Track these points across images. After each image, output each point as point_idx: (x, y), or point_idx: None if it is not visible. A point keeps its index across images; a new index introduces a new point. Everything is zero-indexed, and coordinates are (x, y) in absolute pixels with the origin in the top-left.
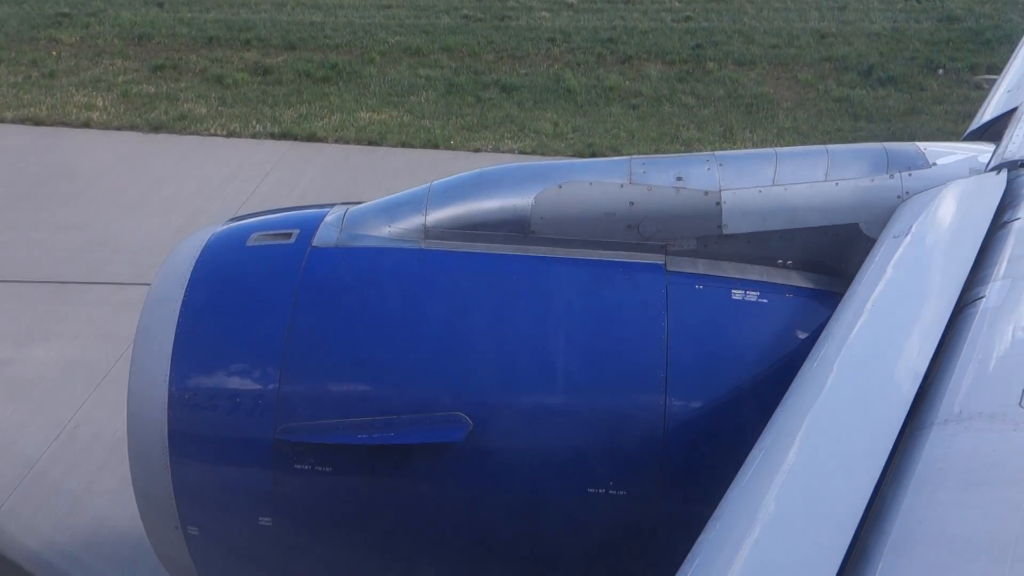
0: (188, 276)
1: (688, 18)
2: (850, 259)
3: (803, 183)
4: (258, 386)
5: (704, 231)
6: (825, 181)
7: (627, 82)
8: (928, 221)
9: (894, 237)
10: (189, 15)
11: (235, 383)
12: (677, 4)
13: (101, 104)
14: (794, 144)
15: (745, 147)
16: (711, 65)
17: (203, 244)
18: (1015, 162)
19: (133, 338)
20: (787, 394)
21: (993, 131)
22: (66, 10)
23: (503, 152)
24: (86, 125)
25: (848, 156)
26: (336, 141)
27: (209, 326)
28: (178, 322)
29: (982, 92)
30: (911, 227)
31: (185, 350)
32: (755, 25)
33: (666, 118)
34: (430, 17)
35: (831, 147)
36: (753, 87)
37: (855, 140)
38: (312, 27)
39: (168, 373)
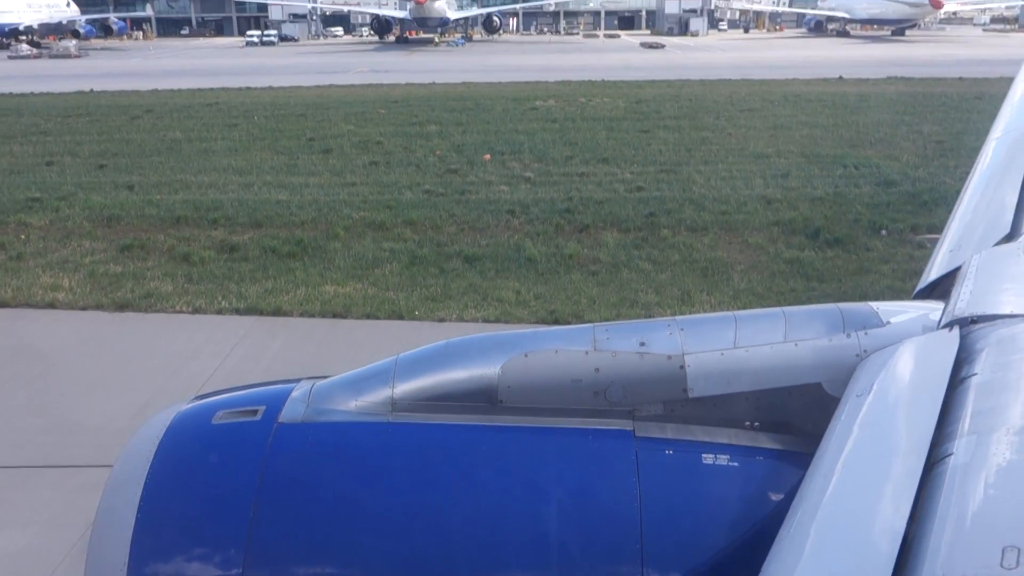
0: (151, 457)
1: (640, 188)
2: (816, 418)
3: (763, 345)
4: (221, 572)
5: (670, 395)
6: (784, 342)
7: (585, 250)
8: (888, 379)
9: (857, 396)
10: (158, 197)
11: (196, 570)
12: (629, 176)
13: (67, 285)
14: (751, 305)
15: (703, 309)
16: (665, 232)
17: (167, 424)
18: (965, 319)
19: (91, 524)
20: (767, 560)
21: (941, 289)
22: (37, 195)
23: (467, 321)
24: (51, 306)
25: (804, 317)
26: (301, 315)
27: (171, 509)
28: (139, 506)
29: (925, 251)
30: (872, 385)
31: (145, 535)
32: (704, 193)
33: (625, 283)
34: (393, 193)
35: (787, 309)
36: (707, 251)
37: (809, 299)
38: (279, 205)
39: (127, 560)
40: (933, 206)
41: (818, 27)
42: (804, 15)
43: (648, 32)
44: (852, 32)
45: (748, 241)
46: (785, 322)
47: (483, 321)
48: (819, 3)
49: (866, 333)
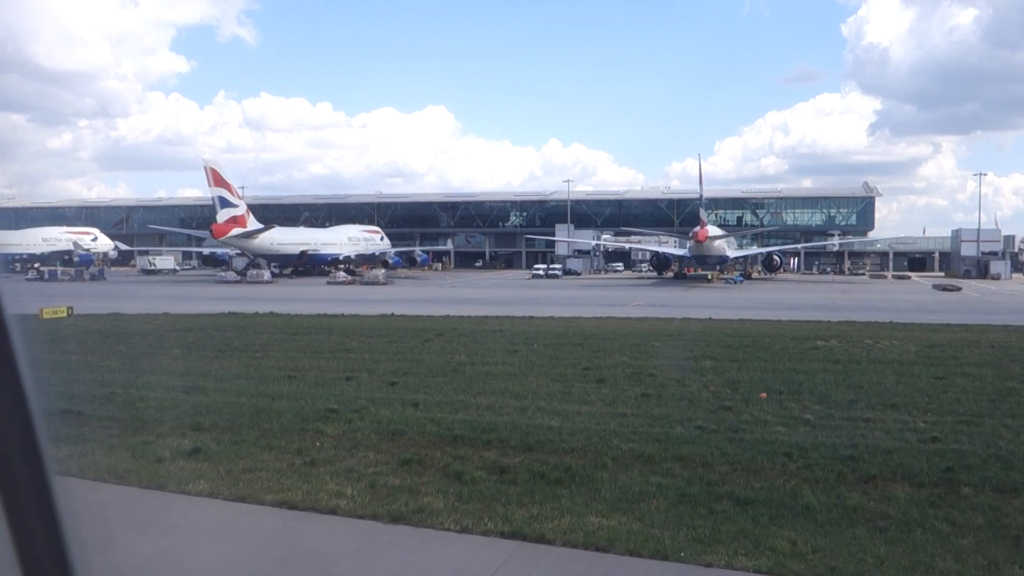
0: None
1: (935, 439)
2: None
3: None
4: None
5: None
6: None
7: (872, 503)
8: None
9: None
10: (440, 415)
11: None
12: (922, 425)
13: (350, 493)
14: None
15: None
16: (966, 490)
17: None
18: None
19: None
20: None
21: None
22: (335, 406)
23: (737, 569)
24: (333, 511)
25: None
26: (564, 544)
27: None
28: None
29: None
30: None
31: None
32: (1014, 450)
33: (918, 545)
34: (664, 426)
35: None
36: (1019, 517)
37: None
38: (550, 431)
39: None
40: None
41: None
42: None
43: (941, 274)
44: None
45: None
46: None
47: (755, 572)
48: None
49: None
